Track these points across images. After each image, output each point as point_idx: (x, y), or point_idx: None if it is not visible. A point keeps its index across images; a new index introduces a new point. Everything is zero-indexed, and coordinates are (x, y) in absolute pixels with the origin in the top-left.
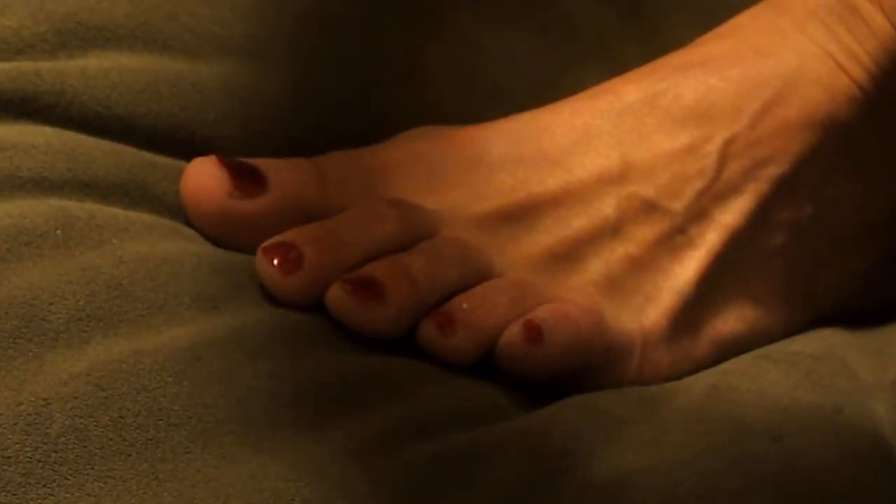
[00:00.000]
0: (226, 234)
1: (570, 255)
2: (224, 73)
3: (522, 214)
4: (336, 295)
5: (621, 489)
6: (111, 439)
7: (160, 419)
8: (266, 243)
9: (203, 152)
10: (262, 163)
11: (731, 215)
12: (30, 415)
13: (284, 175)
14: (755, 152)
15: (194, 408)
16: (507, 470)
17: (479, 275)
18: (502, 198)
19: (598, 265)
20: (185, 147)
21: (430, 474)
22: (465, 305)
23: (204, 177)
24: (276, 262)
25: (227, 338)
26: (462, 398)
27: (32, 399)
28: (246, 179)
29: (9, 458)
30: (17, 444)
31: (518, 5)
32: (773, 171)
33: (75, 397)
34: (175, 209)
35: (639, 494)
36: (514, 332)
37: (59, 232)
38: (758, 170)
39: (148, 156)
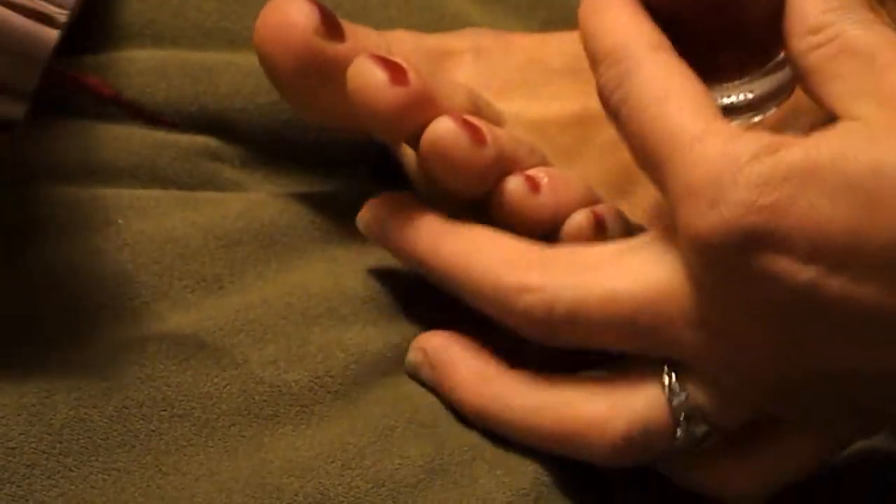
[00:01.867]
0: (305, 75)
1: (622, 177)
2: (233, 58)
3: (578, 127)
4: (444, 126)
5: (623, 487)
6: (115, 430)
7: (164, 410)
8: (372, 53)
9: (215, 125)
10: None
11: None
12: (33, 405)
13: (357, 34)
14: (793, 102)
15: (198, 398)
16: (508, 469)
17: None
18: (558, 106)
19: (650, 190)
20: (198, 121)
21: (430, 473)
22: (546, 180)
23: (292, 9)
24: (385, 70)
25: (231, 322)
26: None
27: (36, 390)
28: (329, 23)
29: (13, 449)
30: (21, 434)
31: (525, 3)
32: (806, 121)
33: (79, 388)
34: (186, 187)
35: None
36: (581, 218)
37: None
38: (794, 119)
39: (159, 135)
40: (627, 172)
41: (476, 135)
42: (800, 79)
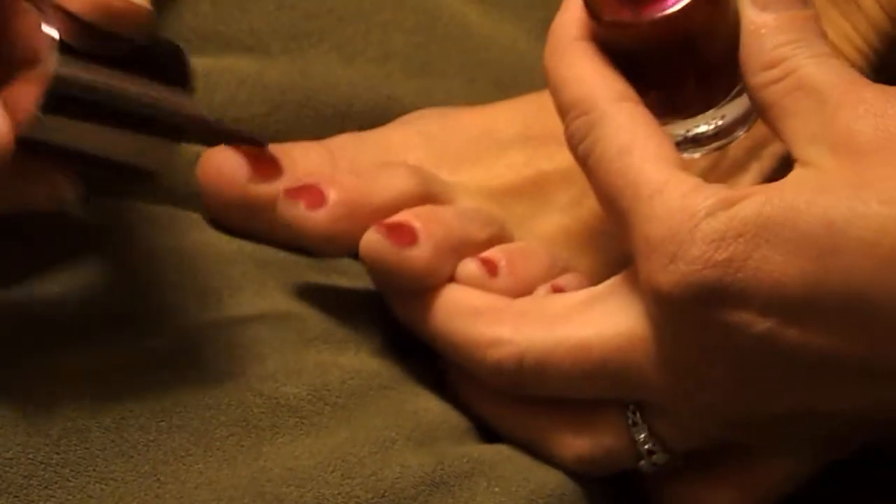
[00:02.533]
0: (246, 218)
1: (583, 233)
2: (229, 64)
3: (534, 192)
4: (370, 239)
5: None
6: (113, 440)
7: (161, 420)
8: (289, 186)
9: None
10: (273, 148)
11: None
12: (31, 416)
13: (297, 159)
14: (759, 129)
15: (196, 409)
16: (504, 487)
17: (507, 240)
18: (512, 174)
19: (612, 245)
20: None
21: (430, 485)
22: (503, 262)
23: (222, 163)
24: (301, 199)
25: (230, 336)
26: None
27: (35, 400)
28: (263, 164)
29: (10, 459)
30: (18, 445)
31: (522, 4)
32: (775, 149)
33: (77, 398)
34: (182, 196)
35: None
36: (542, 293)
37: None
38: (761, 148)
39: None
40: (587, 229)
41: (404, 238)
42: (758, 112)
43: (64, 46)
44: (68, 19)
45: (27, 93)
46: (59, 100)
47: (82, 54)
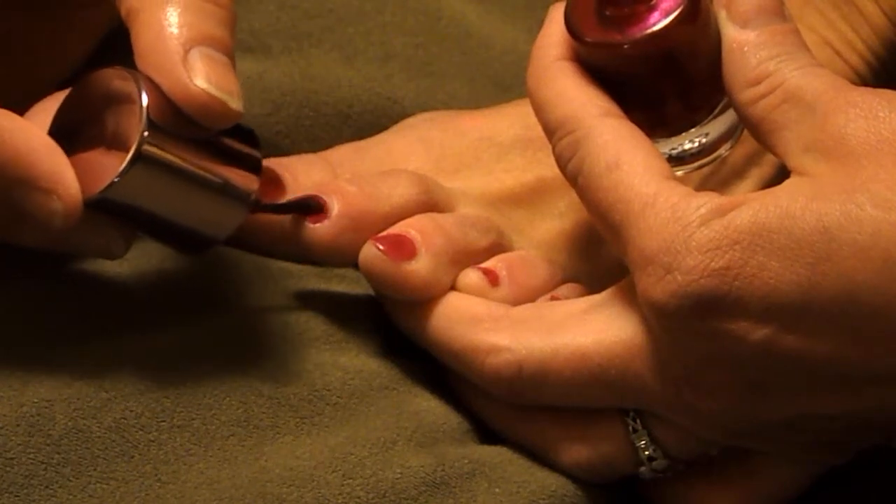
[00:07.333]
0: (249, 233)
1: (582, 238)
2: None
3: (534, 197)
4: (368, 253)
5: None
6: (113, 440)
7: (162, 420)
8: (292, 197)
9: None
10: (274, 164)
11: None
12: (32, 416)
13: (298, 174)
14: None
15: (197, 409)
16: (505, 487)
17: (506, 248)
18: (512, 179)
19: (611, 251)
20: None
21: (431, 486)
22: (504, 272)
23: None
24: (307, 213)
25: (232, 338)
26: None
27: (35, 400)
28: (265, 183)
29: (11, 459)
30: (19, 445)
31: (522, 4)
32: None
33: (78, 398)
34: None
35: None
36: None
37: None
38: (760, 155)
39: None
40: (587, 234)
41: (403, 252)
42: (747, 127)
43: (151, 123)
44: (157, 95)
45: (104, 163)
46: (136, 174)
47: (166, 132)
